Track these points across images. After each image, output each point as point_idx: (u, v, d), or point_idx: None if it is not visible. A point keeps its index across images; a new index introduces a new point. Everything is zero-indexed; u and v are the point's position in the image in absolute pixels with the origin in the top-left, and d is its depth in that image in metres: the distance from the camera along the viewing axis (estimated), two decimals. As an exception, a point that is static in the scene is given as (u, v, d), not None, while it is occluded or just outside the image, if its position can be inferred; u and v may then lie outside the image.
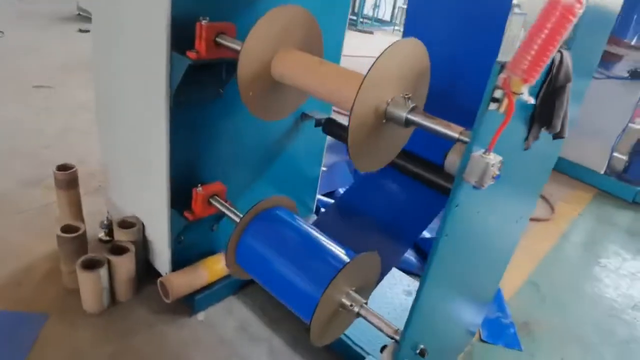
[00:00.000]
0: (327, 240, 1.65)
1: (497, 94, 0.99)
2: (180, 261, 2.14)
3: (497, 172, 1.06)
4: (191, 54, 1.66)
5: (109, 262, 2.01)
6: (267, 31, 1.48)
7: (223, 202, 1.97)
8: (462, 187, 1.11)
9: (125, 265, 2.06)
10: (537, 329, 2.49)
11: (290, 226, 1.71)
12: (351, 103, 1.21)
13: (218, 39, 1.67)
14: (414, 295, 1.35)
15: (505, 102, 0.99)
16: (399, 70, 1.27)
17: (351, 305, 1.48)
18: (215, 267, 2.16)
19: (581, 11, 0.89)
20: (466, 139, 1.15)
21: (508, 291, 2.76)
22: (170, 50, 1.70)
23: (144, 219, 2.18)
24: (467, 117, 1.60)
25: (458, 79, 1.78)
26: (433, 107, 1.50)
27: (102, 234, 2.42)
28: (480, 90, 1.01)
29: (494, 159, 1.05)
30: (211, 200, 1.97)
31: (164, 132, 1.83)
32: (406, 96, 1.28)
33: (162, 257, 2.14)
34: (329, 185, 3.18)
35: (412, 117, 1.24)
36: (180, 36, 1.68)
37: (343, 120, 2.02)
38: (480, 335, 2.34)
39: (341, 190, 3.14)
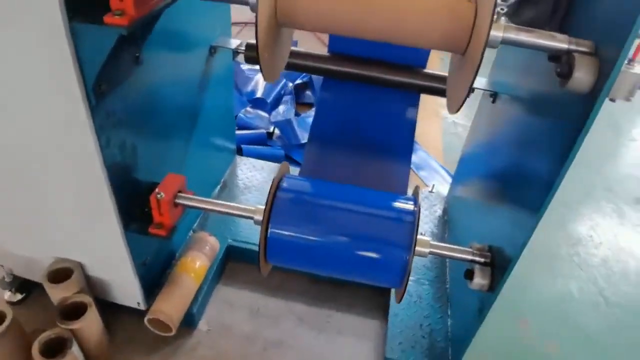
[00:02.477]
0: (364, 193, 1.44)
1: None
2: (150, 283, 1.69)
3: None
4: (114, 19, 1.08)
5: (72, 333, 1.47)
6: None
7: (192, 197, 1.53)
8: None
9: (93, 326, 1.54)
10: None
11: (318, 195, 1.42)
12: (447, 35, 0.93)
13: (144, -16, 1.11)
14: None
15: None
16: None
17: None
18: (195, 266, 1.76)
19: None
20: (586, 49, 1.00)
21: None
22: (69, 23, 1.08)
23: (81, 258, 1.59)
24: None
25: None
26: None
27: (8, 294, 1.73)
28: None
29: (640, 69, 0.95)
30: (177, 201, 1.51)
31: (91, 141, 1.25)
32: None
33: (127, 291, 1.65)
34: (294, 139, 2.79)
35: (508, 35, 1.02)
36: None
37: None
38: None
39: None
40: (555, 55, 1.05)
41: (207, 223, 2.09)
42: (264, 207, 1.37)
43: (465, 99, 0.97)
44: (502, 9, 1.04)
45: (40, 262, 1.61)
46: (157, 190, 1.45)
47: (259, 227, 1.37)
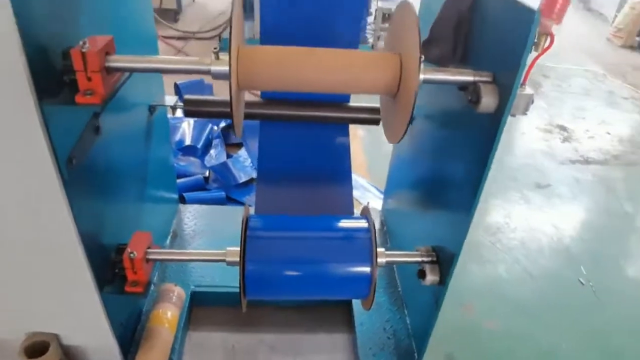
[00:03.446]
0: (323, 219, 1.62)
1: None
2: (125, 342, 1.72)
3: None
4: (87, 99, 1.18)
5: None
6: (237, 31, 1.16)
7: (162, 251, 1.62)
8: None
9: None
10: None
11: (284, 229, 1.58)
12: (380, 83, 1.15)
13: (109, 64, 1.22)
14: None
15: (544, 41, 1.15)
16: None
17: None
18: (167, 317, 1.82)
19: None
20: (487, 79, 1.27)
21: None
22: (40, 104, 1.16)
23: (57, 329, 1.60)
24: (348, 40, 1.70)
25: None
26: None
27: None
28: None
29: (530, 89, 1.23)
30: (149, 257, 1.59)
31: (65, 212, 1.31)
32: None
33: (106, 354, 1.67)
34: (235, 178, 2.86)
35: (428, 76, 1.26)
36: (46, 79, 1.16)
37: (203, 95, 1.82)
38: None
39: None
40: (464, 86, 1.31)
41: (166, 274, 2.14)
42: (233, 249, 1.50)
43: (405, 133, 1.19)
44: (422, 57, 1.27)
45: (11, 342, 1.59)
46: (128, 250, 1.52)
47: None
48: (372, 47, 4.89)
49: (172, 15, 5.57)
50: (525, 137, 4.12)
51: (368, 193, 3.04)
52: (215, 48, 1.17)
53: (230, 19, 1.13)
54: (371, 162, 3.41)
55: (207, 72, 1.21)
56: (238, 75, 1.17)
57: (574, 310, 2.41)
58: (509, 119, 1.29)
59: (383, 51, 1.38)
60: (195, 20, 5.84)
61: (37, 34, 1.12)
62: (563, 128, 4.34)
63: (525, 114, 1.27)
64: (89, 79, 1.19)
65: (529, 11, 1.11)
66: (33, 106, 1.14)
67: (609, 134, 4.37)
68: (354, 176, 3.17)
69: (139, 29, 1.90)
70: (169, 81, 3.79)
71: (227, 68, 1.14)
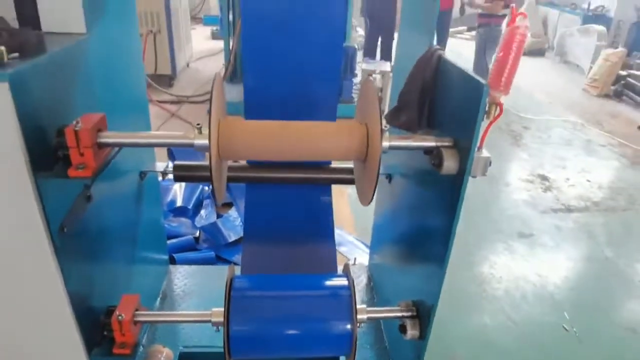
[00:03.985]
0: (304, 278, 1.69)
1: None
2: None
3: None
4: (78, 172, 1.28)
5: None
6: (217, 107, 1.28)
7: (149, 313, 1.67)
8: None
9: None
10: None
11: (267, 288, 1.64)
12: (349, 151, 1.27)
13: (101, 140, 1.33)
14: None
15: (494, 110, 1.27)
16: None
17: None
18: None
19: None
20: (448, 144, 1.39)
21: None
22: (35, 179, 1.25)
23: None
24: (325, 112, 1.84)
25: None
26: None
27: None
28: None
29: (487, 153, 1.35)
30: (137, 319, 1.63)
31: (57, 277, 1.37)
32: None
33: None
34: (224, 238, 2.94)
35: (393, 143, 1.38)
36: (40, 154, 1.26)
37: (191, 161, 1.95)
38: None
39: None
40: (428, 150, 1.43)
41: (155, 335, 2.17)
42: (218, 309, 1.55)
43: (373, 195, 1.29)
44: (385, 126, 1.39)
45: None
46: (117, 312, 1.57)
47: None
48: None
49: (167, 80, 5.81)
50: (508, 188, 4.25)
51: (356, 249, 3.11)
52: (198, 124, 1.28)
53: (210, 97, 1.26)
54: (358, 218, 3.50)
55: (191, 145, 1.32)
56: (218, 147, 1.27)
57: (558, 356, 2.43)
58: (482, 177, 1.39)
59: (355, 118, 1.51)
60: (189, 84, 6.09)
61: (34, 113, 1.24)
62: (544, 178, 4.48)
63: (485, 175, 1.37)
64: (82, 154, 1.29)
65: (479, 84, 1.24)
66: (28, 179, 1.23)
67: (588, 181, 4.51)
68: (342, 232, 3.26)
69: (131, 98, 2.04)
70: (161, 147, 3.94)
71: (207, 142, 1.25)
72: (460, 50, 9.01)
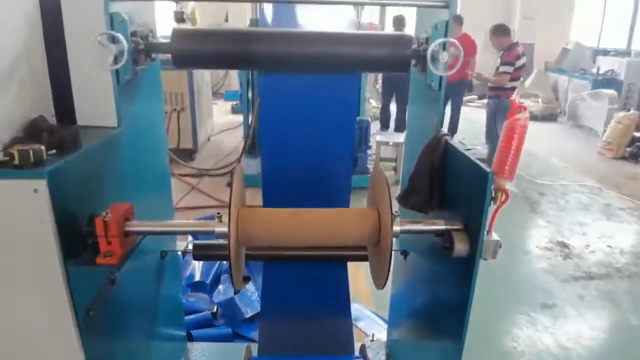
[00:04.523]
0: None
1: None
2: None
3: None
4: (106, 260, 1.36)
5: None
6: (236, 198, 1.36)
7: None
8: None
9: None
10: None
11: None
12: (362, 237, 1.32)
13: (127, 229, 1.42)
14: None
15: (500, 196, 1.33)
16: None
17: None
18: None
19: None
20: (458, 227, 1.44)
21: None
22: (64, 266, 1.33)
23: None
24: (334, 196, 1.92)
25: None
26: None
27: None
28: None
29: (496, 236, 1.39)
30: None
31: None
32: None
33: None
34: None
35: (404, 227, 1.44)
36: (71, 242, 1.35)
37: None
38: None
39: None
40: (439, 233, 1.47)
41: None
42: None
43: (387, 280, 1.33)
44: (396, 212, 1.45)
45: None
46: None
47: None
48: (373, 175, 5.22)
49: (188, 154, 6.05)
50: (527, 257, 4.20)
51: (374, 324, 3.08)
52: (218, 213, 1.37)
53: (230, 189, 1.34)
54: (376, 290, 3.48)
55: (212, 233, 1.40)
56: (237, 235, 1.35)
57: None
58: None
59: (367, 204, 1.57)
60: (209, 158, 6.31)
61: (67, 204, 1.34)
62: (564, 245, 4.43)
63: (495, 258, 1.40)
64: (109, 243, 1.37)
65: (484, 172, 1.31)
66: (58, 266, 1.31)
67: (609, 247, 4.44)
68: (359, 306, 3.24)
69: (157, 179, 2.15)
70: (182, 219, 4.05)
71: (226, 229, 1.32)
72: (473, 118, 9.22)
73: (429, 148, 1.61)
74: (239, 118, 6.43)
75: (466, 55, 6.68)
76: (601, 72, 9.88)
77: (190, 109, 5.88)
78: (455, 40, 1.55)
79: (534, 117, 10.03)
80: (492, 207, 1.35)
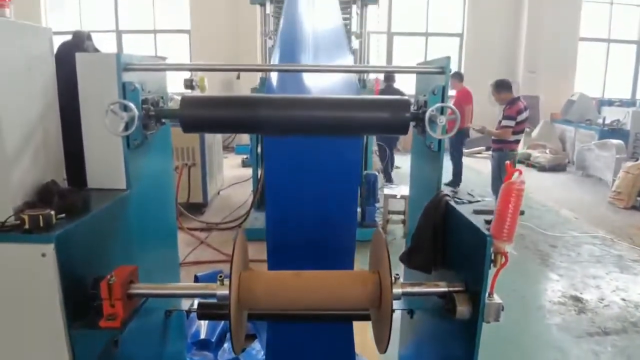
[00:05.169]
0: None
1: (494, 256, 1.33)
2: None
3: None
4: (109, 323, 1.37)
5: None
6: (237, 262, 1.39)
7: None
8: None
9: None
10: None
11: None
12: (363, 300, 1.32)
13: (131, 291, 1.44)
14: None
15: (500, 259, 1.33)
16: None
17: None
18: None
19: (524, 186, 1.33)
20: (460, 289, 1.44)
21: None
22: (68, 328, 1.35)
23: None
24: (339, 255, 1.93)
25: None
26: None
27: None
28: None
29: (498, 298, 1.38)
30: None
31: None
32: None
33: None
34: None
35: (405, 290, 1.44)
36: (76, 305, 1.38)
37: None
38: None
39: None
40: (441, 295, 1.47)
41: None
42: None
43: (388, 343, 1.33)
44: (397, 275, 1.46)
45: None
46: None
47: None
48: (383, 229, 5.21)
49: (198, 208, 6.10)
50: (540, 312, 4.10)
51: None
52: (220, 276, 1.39)
53: (232, 252, 1.37)
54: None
55: (214, 296, 1.41)
56: (239, 298, 1.36)
57: None
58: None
59: (369, 265, 1.59)
60: (219, 211, 6.36)
61: (73, 267, 1.38)
62: (577, 299, 4.32)
63: (498, 321, 1.39)
64: (112, 306, 1.39)
65: (483, 235, 1.32)
66: (62, 328, 1.34)
67: (624, 300, 4.32)
68: (366, 364, 3.15)
69: (163, 238, 2.18)
70: (190, 274, 4.04)
71: (227, 292, 1.34)
72: (480, 169, 9.26)
73: (430, 208, 1.64)
74: (250, 171, 6.53)
75: (464, 105, 6.79)
76: (607, 122, 9.96)
77: (201, 163, 5.99)
78: (452, 106, 1.60)
79: (542, 168, 10.06)
80: (492, 269, 1.35)
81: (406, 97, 1.75)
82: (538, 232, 6.11)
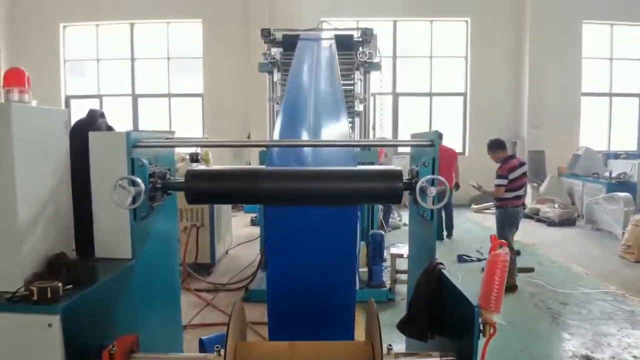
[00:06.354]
0: None
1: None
2: None
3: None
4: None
5: None
6: (233, 333, 1.44)
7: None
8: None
9: None
10: None
11: None
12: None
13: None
14: None
15: (489, 330, 1.37)
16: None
17: None
18: None
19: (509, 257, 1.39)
20: (452, 358, 1.46)
21: None
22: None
23: None
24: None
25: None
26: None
27: None
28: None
29: (488, 366, 1.41)
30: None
31: None
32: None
33: None
34: None
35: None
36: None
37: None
38: None
39: None
40: (436, 365, 1.50)
41: None
42: None
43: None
44: (389, 346, 1.49)
45: None
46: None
47: None
48: (390, 290, 5.16)
49: (205, 268, 6.12)
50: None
51: None
52: (217, 346, 1.43)
53: (228, 323, 1.42)
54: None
55: (212, 364, 1.45)
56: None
57: None
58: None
59: (364, 335, 1.62)
60: (226, 272, 6.36)
61: (78, 337, 1.44)
62: (588, 359, 4.21)
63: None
64: (113, 375, 1.43)
65: (471, 306, 1.37)
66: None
67: (635, 358, 4.19)
68: None
69: (165, 304, 2.23)
70: (195, 336, 4.02)
71: (224, 364, 1.38)
72: (487, 225, 9.24)
73: (424, 279, 1.68)
74: (258, 230, 6.59)
75: (450, 161, 6.93)
76: (614, 175, 9.98)
77: (210, 224, 6.06)
78: (442, 178, 1.69)
79: (552, 223, 9.98)
80: (482, 340, 1.39)
81: (399, 168, 1.84)
82: (548, 289, 6.01)
